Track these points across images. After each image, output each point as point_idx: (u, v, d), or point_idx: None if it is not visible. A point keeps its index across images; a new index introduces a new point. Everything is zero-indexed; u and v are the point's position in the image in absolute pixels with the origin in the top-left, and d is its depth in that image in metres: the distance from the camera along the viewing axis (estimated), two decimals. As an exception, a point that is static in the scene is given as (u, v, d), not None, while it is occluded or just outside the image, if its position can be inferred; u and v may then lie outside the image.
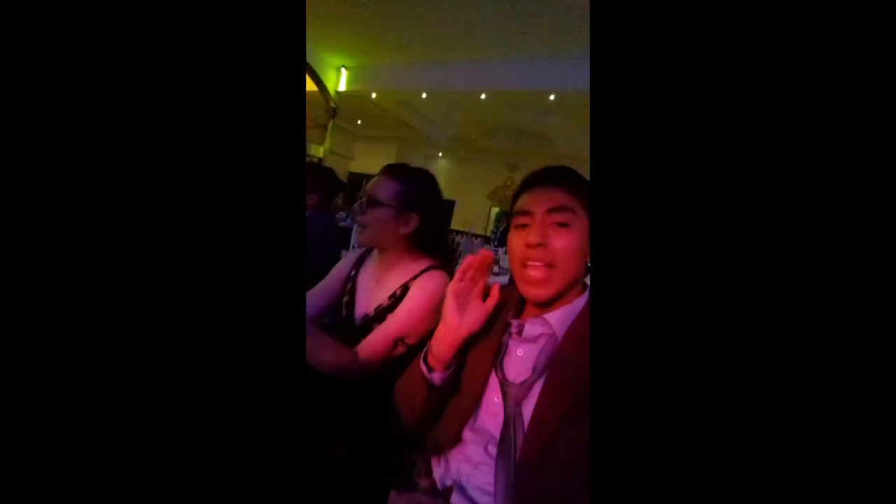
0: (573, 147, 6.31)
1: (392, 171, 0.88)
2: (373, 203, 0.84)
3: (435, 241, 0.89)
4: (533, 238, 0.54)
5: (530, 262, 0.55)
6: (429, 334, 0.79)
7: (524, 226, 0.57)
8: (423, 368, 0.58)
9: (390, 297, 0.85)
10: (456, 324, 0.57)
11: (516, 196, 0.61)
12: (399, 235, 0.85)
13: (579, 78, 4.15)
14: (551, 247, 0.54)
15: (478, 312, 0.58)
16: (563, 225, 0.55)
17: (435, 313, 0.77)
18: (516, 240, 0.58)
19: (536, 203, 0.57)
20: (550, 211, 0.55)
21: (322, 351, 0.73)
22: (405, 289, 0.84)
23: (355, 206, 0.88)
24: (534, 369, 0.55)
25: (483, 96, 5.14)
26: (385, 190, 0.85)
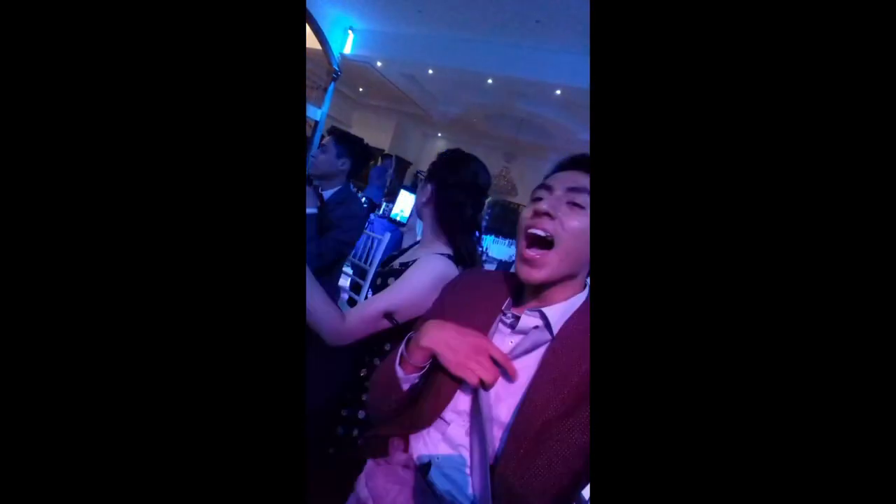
0: (573, 144, 6.31)
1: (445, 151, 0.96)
2: (421, 171, 0.95)
3: (452, 226, 0.87)
4: (542, 206, 0.54)
5: (532, 230, 0.54)
6: (416, 317, 0.78)
7: (539, 199, 0.57)
8: (398, 371, 0.57)
9: (401, 264, 0.87)
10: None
11: (546, 175, 0.61)
12: (424, 205, 0.91)
13: (587, 75, 4.09)
14: (559, 221, 0.53)
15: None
16: (577, 206, 0.54)
17: (426, 298, 0.76)
18: (527, 211, 0.57)
19: (559, 180, 0.57)
20: (569, 189, 0.54)
21: (314, 303, 0.72)
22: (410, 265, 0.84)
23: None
24: (512, 351, 0.55)
25: (490, 81, 5.04)
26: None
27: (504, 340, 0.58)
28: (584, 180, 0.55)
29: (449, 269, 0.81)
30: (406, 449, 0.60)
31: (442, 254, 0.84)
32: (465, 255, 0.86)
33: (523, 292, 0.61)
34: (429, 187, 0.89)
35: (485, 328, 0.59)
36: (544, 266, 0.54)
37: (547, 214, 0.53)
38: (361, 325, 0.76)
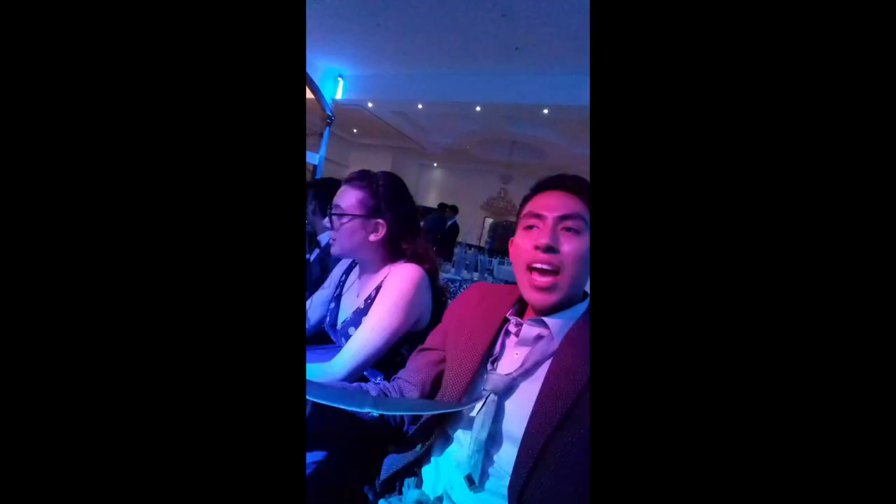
0: (566, 159, 6.40)
1: (353, 179, 0.88)
2: (339, 214, 0.84)
3: (410, 244, 0.87)
4: (543, 239, 0.54)
5: (537, 265, 0.55)
6: (415, 326, 0.78)
7: (533, 227, 0.57)
8: None
9: (366, 301, 0.85)
10: None
11: (526, 198, 0.61)
12: (370, 244, 0.86)
13: (571, 93, 4.25)
14: (560, 251, 0.54)
15: None
16: (573, 231, 0.55)
17: (411, 303, 0.77)
18: (524, 242, 0.57)
19: (549, 207, 0.56)
20: (563, 217, 0.55)
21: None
22: (378, 289, 0.83)
23: (325, 220, 0.89)
24: (522, 365, 0.55)
25: (478, 108, 5.20)
26: (348, 199, 0.85)
27: (511, 355, 0.58)
28: (574, 204, 0.56)
29: (416, 271, 0.81)
30: (419, 483, 0.58)
31: (403, 261, 0.85)
32: (424, 257, 0.87)
33: (525, 304, 0.61)
34: (381, 223, 0.85)
35: (491, 339, 0.60)
36: (554, 291, 0.55)
37: (550, 249, 0.54)
38: (362, 358, 0.75)
